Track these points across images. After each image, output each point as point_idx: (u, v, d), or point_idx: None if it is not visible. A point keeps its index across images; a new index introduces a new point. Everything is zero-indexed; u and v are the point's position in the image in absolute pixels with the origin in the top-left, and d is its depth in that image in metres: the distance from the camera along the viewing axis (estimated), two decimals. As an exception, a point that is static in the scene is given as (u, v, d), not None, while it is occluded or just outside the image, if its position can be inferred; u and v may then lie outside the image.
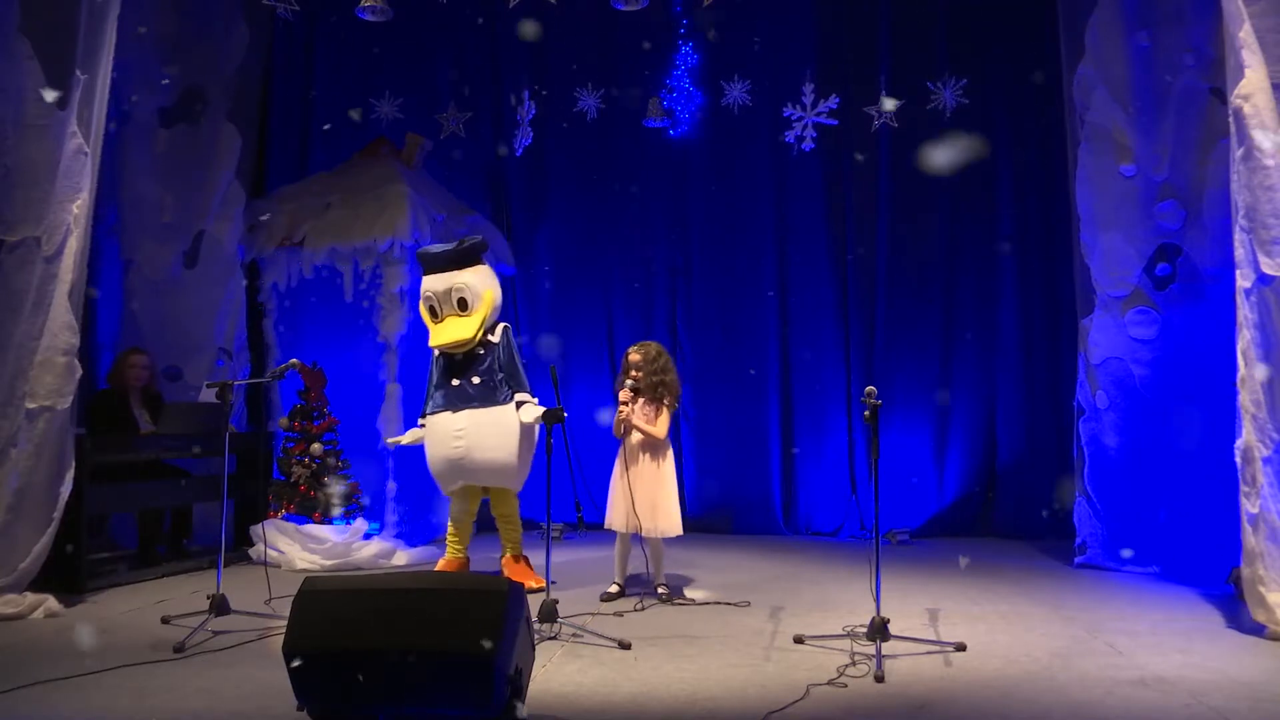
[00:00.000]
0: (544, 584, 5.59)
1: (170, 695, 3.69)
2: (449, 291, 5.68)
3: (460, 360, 5.67)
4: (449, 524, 5.88)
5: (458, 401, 5.60)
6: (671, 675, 3.97)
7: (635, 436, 5.39)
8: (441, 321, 5.72)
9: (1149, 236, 6.27)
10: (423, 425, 5.78)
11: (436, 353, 5.78)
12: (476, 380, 5.62)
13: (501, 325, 5.82)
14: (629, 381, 5.38)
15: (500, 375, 5.65)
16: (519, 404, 5.62)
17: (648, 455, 5.40)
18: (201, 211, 7.46)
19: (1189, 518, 6.01)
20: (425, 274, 5.83)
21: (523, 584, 3.45)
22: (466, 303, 5.68)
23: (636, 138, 8.33)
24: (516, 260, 8.37)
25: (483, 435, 5.52)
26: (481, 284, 5.74)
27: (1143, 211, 6.26)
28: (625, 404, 5.35)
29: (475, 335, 5.62)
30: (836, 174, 8.22)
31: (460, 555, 5.85)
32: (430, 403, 5.74)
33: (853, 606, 5.10)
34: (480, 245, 5.86)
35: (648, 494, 5.33)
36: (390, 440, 5.92)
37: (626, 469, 5.35)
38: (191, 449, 6.44)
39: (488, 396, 5.59)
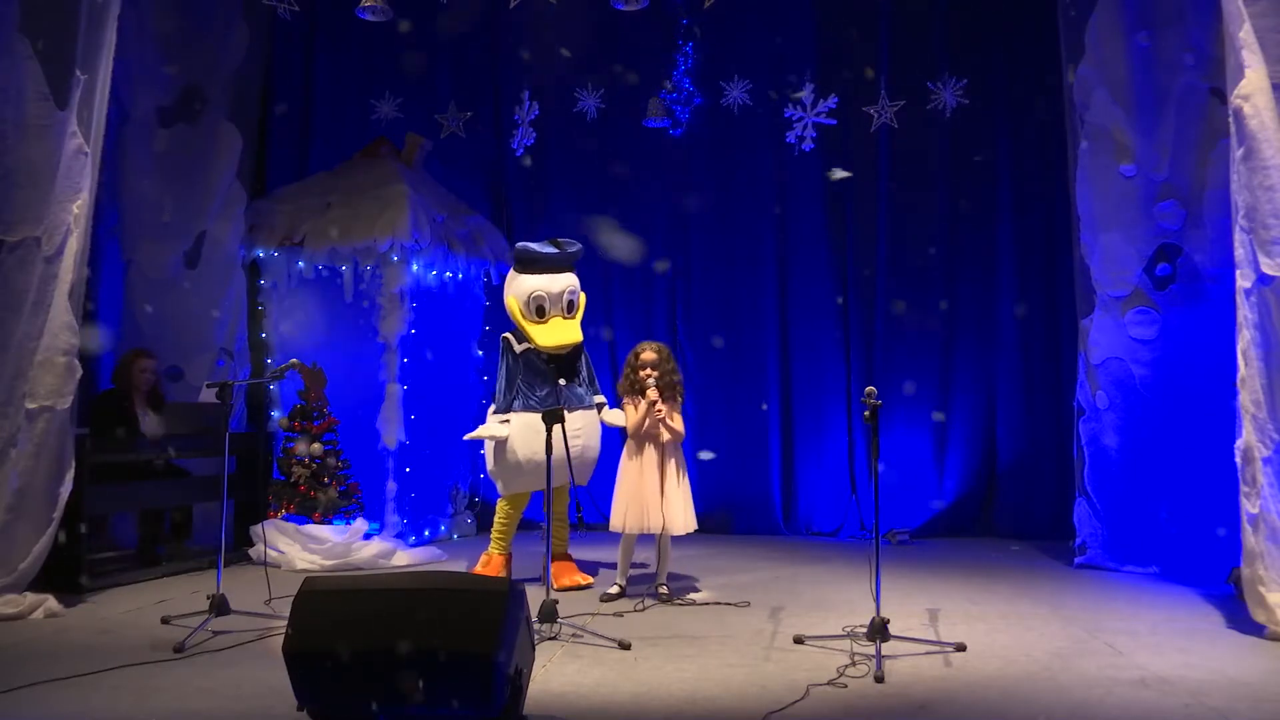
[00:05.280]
0: (590, 581, 5.78)
1: (170, 695, 3.69)
2: (562, 293, 5.80)
3: (552, 360, 5.75)
4: (498, 522, 5.94)
5: (572, 401, 5.69)
6: (671, 675, 3.97)
7: (665, 436, 5.41)
8: (547, 321, 5.77)
9: (1149, 236, 6.26)
10: (505, 421, 5.74)
11: (519, 349, 5.79)
12: (578, 381, 5.79)
13: None
14: (651, 380, 5.38)
15: (583, 374, 5.86)
16: (599, 405, 5.90)
17: (672, 454, 5.43)
18: (202, 211, 7.46)
19: (1189, 518, 6.01)
20: (530, 273, 5.83)
21: (521, 584, 3.44)
22: (574, 305, 5.84)
23: (636, 138, 8.32)
24: (516, 260, 8.37)
25: (589, 435, 5.74)
26: (579, 288, 5.94)
27: (1143, 211, 6.26)
28: (657, 402, 5.35)
29: (580, 338, 5.82)
30: (836, 174, 8.23)
31: (503, 554, 5.91)
32: (521, 399, 5.73)
33: (853, 607, 5.09)
34: (582, 251, 6.04)
35: (673, 492, 5.38)
36: (471, 435, 5.97)
37: (660, 468, 5.37)
38: (191, 449, 6.45)
39: (588, 397, 5.82)
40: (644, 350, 5.50)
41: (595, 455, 5.84)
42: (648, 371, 5.41)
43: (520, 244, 6.00)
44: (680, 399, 5.52)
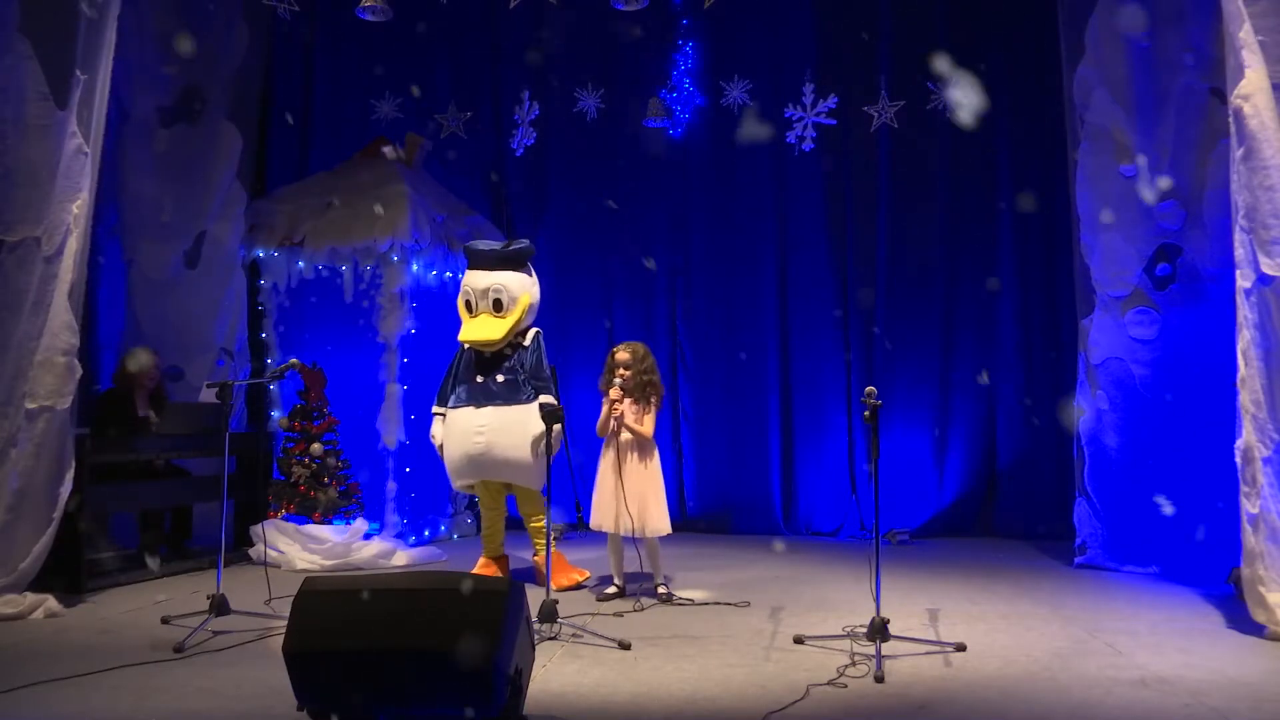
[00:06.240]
0: (587, 575, 5.78)
1: (170, 695, 3.69)
2: (487, 290, 5.76)
3: (487, 358, 5.75)
4: (482, 525, 5.99)
5: (481, 398, 5.68)
6: (671, 675, 3.97)
7: (624, 436, 5.40)
8: (475, 317, 5.78)
9: (1149, 236, 6.26)
10: (440, 416, 5.84)
11: (465, 346, 5.84)
12: (501, 378, 5.71)
13: (534, 330, 5.89)
14: (617, 380, 5.39)
15: (523, 375, 5.74)
16: (542, 405, 5.74)
17: (636, 455, 5.41)
18: (202, 211, 7.47)
19: (1189, 518, 6.00)
20: (470, 269, 5.89)
21: (521, 585, 3.44)
22: (501, 304, 5.76)
23: (636, 138, 8.32)
24: (516, 260, 8.36)
25: (504, 432, 5.61)
26: (520, 288, 5.82)
27: (1143, 211, 6.26)
28: (616, 402, 5.36)
29: (502, 338, 5.70)
30: (836, 174, 8.21)
31: (496, 554, 5.95)
32: (452, 396, 5.79)
33: (852, 607, 5.09)
34: (527, 250, 5.95)
35: (638, 494, 5.34)
36: (439, 450, 5.88)
37: (619, 469, 5.36)
38: (191, 449, 6.45)
39: (510, 395, 5.67)
40: (619, 350, 5.51)
41: (519, 455, 5.59)
42: (620, 371, 5.42)
43: (469, 241, 6.07)
44: (656, 400, 5.48)
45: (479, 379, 5.71)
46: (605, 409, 5.41)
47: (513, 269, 5.83)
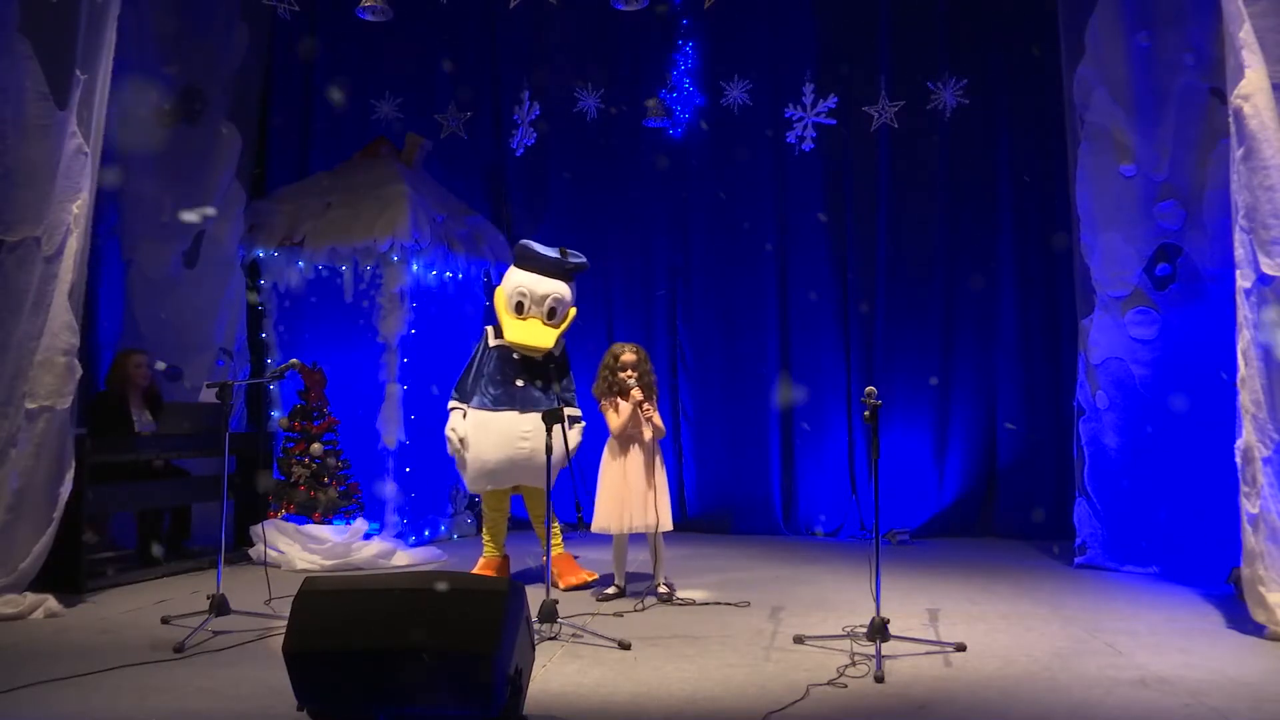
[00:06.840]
0: (595, 576, 5.78)
1: (170, 695, 3.69)
2: (546, 297, 5.76)
3: (521, 362, 5.74)
4: (485, 524, 6.00)
5: (526, 403, 5.66)
6: (671, 675, 3.97)
7: (648, 435, 5.42)
8: (525, 320, 5.75)
9: (1149, 236, 6.26)
10: (459, 411, 5.77)
11: (490, 343, 5.81)
12: (540, 384, 5.73)
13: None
14: (632, 381, 5.40)
15: (552, 384, 5.77)
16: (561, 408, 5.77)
17: (655, 452, 5.46)
18: (202, 211, 7.46)
19: (1189, 518, 6.00)
20: (524, 269, 5.85)
21: (521, 585, 3.44)
22: (555, 313, 5.78)
23: (636, 138, 8.33)
24: (516, 260, 8.36)
25: (540, 438, 5.53)
26: (570, 300, 5.86)
27: (1143, 211, 6.26)
28: (643, 402, 5.39)
29: (552, 347, 5.74)
30: (836, 174, 8.21)
31: (498, 555, 5.95)
32: (479, 396, 5.75)
33: (852, 607, 5.10)
34: (584, 267, 5.97)
35: (660, 489, 5.42)
36: (456, 444, 5.79)
37: (650, 469, 5.38)
38: (189, 449, 6.45)
39: (550, 402, 5.69)
40: (624, 352, 5.51)
41: (556, 461, 5.55)
42: (629, 373, 5.43)
43: (524, 240, 6.03)
44: (655, 399, 5.55)
45: (519, 383, 5.70)
46: (625, 410, 5.40)
47: (566, 281, 5.86)
